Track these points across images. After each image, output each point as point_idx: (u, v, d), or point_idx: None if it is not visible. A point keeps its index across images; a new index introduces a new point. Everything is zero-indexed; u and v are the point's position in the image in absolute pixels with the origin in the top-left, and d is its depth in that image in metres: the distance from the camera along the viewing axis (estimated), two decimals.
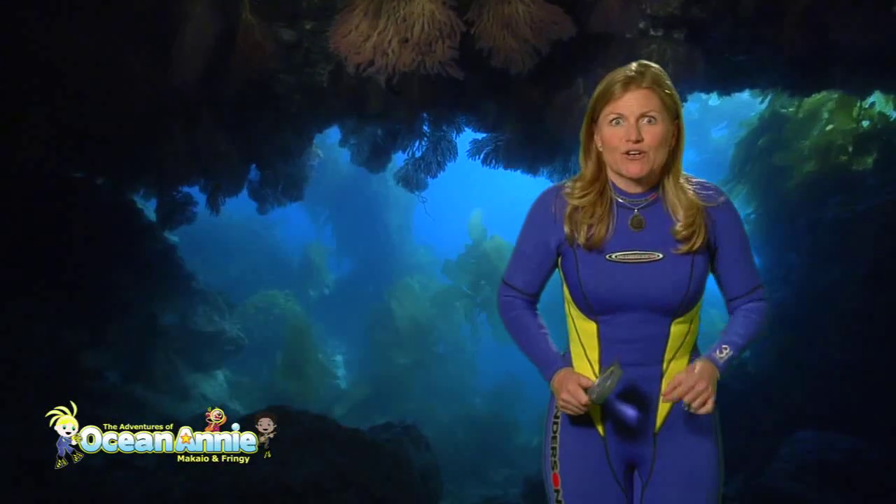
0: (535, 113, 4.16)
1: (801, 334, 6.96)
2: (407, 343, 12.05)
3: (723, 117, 18.90)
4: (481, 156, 5.09)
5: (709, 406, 1.54)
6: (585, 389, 1.56)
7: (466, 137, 5.42)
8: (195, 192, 8.33)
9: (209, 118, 4.44)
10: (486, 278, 11.81)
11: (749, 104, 17.91)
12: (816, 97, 8.50)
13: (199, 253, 15.24)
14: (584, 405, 1.56)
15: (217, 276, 13.99)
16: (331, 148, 17.55)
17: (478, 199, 16.58)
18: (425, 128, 5.20)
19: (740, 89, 5.38)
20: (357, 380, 12.59)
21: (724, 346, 1.63)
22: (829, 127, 8.25)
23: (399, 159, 6.08)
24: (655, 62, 1.77)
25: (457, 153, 5.33)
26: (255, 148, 5.88)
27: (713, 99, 13.98)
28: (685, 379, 1.54)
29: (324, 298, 15.35)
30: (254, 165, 8.18)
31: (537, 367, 1.71)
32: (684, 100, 5.82)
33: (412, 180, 5.60)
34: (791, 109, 8.90)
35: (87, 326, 6.95)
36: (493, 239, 12.28)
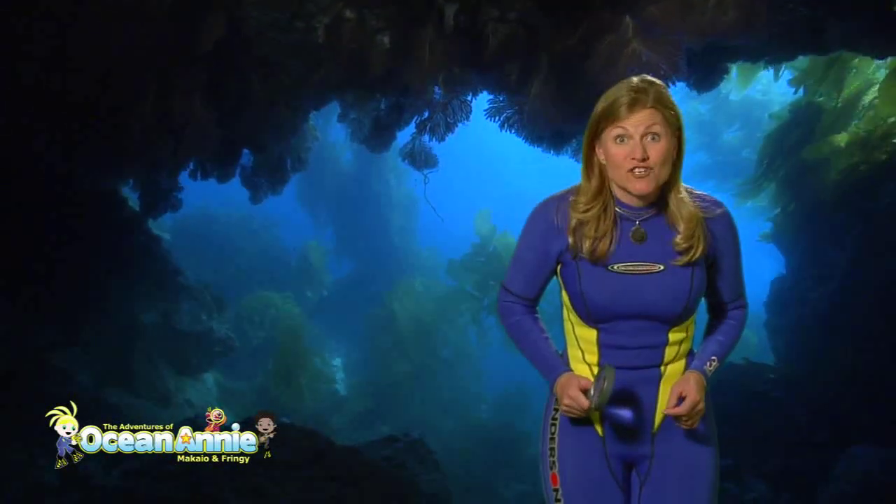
0: (571, 65, 3.48)
1: (848, 335, 6.27)
2: (410, 347, 11.36)
3: (735, 118, 18.36)
4: (499, 119, 4.41)
5: (696, 425, 1.64)
6: (585, 393, 1.60)
7: (481, 105, 4.71)
8: (183, 178, 7.73)
9: (181, 76, 3.78)
10: (495, 278, 11.06)
11: (763, 104, 17.38)
12: (857, 84, 7.88)
13: (193, 251, 14.77)
14: (587, 411, 1.60)
15: (212, 275, 13.48)
16: (332, 147, 17.19)
17: (485, 200, 15.86)
18: (436, 96, 4.53)
19: (791, 56, 4.68)
20: (357, 385, 11.89)
21: (712, 357, 1.70)
22: (871, 114, 7.60)
23: (404, 138, 5.39)
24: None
25: (470, 113, 4.63)
26: (242, 125, 5.21)
27: (735, 92, 13.27)
28: (690, 394, 1.60)
29: (322, 300, 14.74)
30: (247, 151, 7.60)
31: (539, 371, 1.74)
32: (725, 72, 5.17)
33: (419, 155, 4.90)
34: (823, 98, 8.24)
35: (58, 325, 6.29)
36: (503, 236, 11.49)
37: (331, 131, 17.06)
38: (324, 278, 15.01)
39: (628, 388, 1.65)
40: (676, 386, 1.62)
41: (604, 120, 1.60)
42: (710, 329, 1.79)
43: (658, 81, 1.61)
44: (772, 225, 9.62)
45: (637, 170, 1.57)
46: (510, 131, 4.37)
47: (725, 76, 4.95)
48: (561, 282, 1.74)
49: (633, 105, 1.56)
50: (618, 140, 1.58)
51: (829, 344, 6.61)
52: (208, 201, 16.79)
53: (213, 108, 4.14)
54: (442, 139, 4.67)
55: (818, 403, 6.22)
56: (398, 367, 11.09)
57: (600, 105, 1.62)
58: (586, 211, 1.65)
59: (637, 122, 1.56)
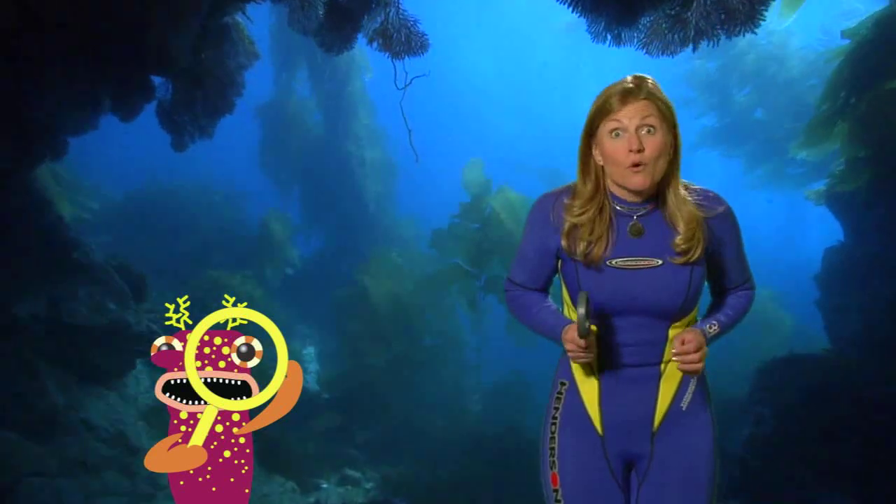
0: None
1: None
2: (390, 335, 9.44)
3: (747, 79, 16.00)
4: None
5: (699, 371, 1.65)
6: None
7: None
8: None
9: None
10: (492, 251, 8.96)
11: (778, 58, 15.32)
12: None
13: (141, 228, 12.96)
14: (583, 346, 1.59)
15: (164, 255, 11.67)
16: (297, 104, 15.17)
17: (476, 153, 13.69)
18: None
19: None
20: (330, 382, 10.01)
21: (713, 322, 1.71)
22: None
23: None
24: None
25: None
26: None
27: (777, 21, 11.26)
28: (691, 338, 1.60)
29: (287, 279, 12.83)
30: (162, 80, 5.65)
31: (548, 338, 1.73)
32: None
33: (397, 32, 2.92)
34: None
35: None
36: (500, 192, 9.13)
37: (297, 86, 15.08)
38: (288, 254, 13.07)
39: (628, 386, 1.67)
40: (677, 337, 1.61)
41: (598, 116, 1.61)
42: (718, 304, 1.77)
43: (649, 77, 1.62)
44: (827, 182, 7.88)
45: (634, 164, 1.56)
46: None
47: None
48: (562, 279, 1.74)
49: (626, 97, 1.58)
50: (613, 134, 1.59)
51: None
52: (160, 171, 14.89)
53: None
54: None
55: None
56: (375, 358, 9.19)
57: (594, 104, 1.63)
58: (581, 214, 1.65)
59: (631, 114, 1.57)
